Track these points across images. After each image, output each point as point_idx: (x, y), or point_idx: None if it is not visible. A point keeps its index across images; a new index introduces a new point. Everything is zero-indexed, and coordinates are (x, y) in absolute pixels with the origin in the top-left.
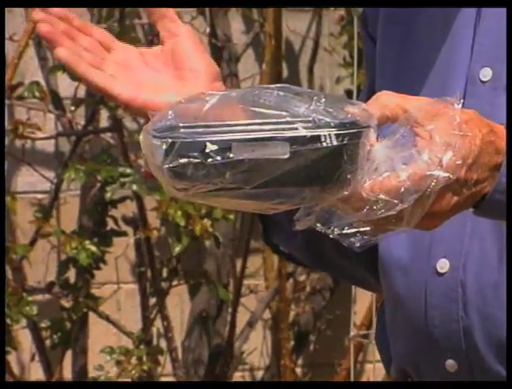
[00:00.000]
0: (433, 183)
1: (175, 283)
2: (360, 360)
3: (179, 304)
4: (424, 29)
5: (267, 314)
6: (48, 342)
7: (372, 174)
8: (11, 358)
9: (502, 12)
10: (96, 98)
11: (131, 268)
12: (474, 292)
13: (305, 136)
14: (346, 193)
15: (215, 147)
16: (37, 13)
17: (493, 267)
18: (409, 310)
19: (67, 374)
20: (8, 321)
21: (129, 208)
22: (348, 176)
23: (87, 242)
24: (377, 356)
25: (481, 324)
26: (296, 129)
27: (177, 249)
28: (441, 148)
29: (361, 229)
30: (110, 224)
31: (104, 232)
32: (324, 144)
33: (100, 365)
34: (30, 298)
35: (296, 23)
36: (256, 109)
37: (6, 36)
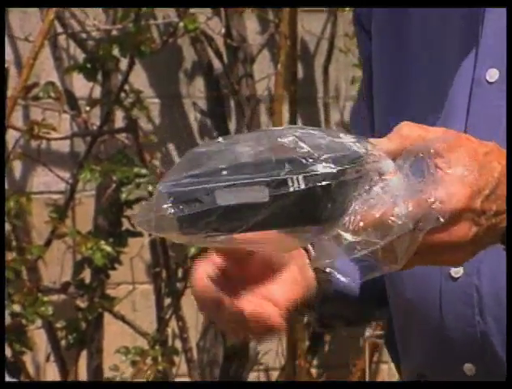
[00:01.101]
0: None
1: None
2: (375, 360)
3: (194, 304)
4: (418, 28)
5: None
6: (63, 342)
7: (366, 207)
8: (27, 358)
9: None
10: (112, 98)
11: (146, 268)
12: (490, 297)
13: (277, 180)
14: (332, 232)
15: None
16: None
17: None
18: (423, 316)
19: (82, 375)
20: (23, 321)
21: None
22: (333, 214)
23: (102, 243)
24: None
25: (498, 328)
26: (279, 172)
27: (193, 249)
28: (454, 181)
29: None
30: (125, 225)
31: (119, 232)
32: (291, 189)
33: (115, 366)
34: (45, 298)
35: (311, 23)
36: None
37: (22, 36)
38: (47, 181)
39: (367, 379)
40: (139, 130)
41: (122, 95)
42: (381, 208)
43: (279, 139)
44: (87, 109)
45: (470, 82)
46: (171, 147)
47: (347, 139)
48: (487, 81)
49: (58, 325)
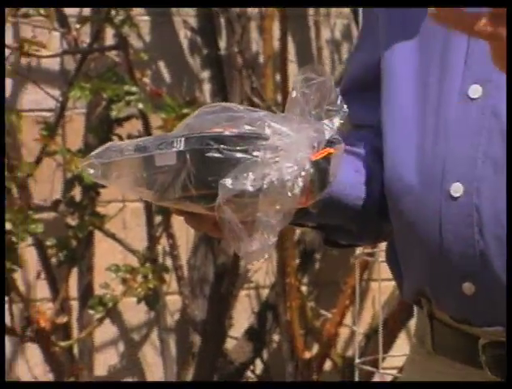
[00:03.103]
0: None
1: None
2: (365, 278)
3: (185, 222)
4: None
5: None
6: (53, 260)
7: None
8: (17, 276)
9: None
10: (102, 16)
11: None
12: (489, 217)
13: (166, 141)
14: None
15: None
16: None
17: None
18: (423, 236)
19: (73, 292)
20: (14, 239)
21: (134, 127)
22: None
23: None
24: (383, 275)
25: (497, 247)
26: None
27: None
28: None
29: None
30: None
31: None
32: (173, 149)
33: (105, 283)
34: (36, 216)
35: None
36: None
37: None
38: (37, 99)
39: (357, 297)
40: (130, 48)
41: (112, 12)
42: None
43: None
44: (77, 26)
45: (457, 95)
46: (161, 64)
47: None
48: (469, 97)
49: (49, 243)
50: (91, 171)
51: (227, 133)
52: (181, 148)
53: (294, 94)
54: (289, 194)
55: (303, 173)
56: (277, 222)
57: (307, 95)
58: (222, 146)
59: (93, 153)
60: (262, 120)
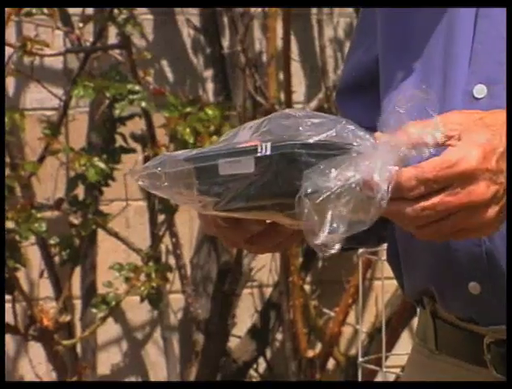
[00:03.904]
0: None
1: None
2: (368, 277)
3: (188, 221)
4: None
5: None
6: (57, 259)
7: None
8: (20, 275)
9: (500, 25)
10: (105, 15)
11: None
12: None
13: (250, 147)
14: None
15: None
16: None
17: None
18: None
19: (76, 291)
20: (17, 238)
21: (137, 125)
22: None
23: (95, 159)
24: (386, 273)
25: (504, 247)
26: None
27: None
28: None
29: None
30: (119, 141)
31: (112, 149)
32: (258, 154)
33: (109, 282)
34: (39, 215)
35: None
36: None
37: None
38: (40, 98)
39: (360, 296)
40: (133, 47)
41: (116, 11)
42: (355, 176)
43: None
44: (81, 25)
45: (461, 95)
46: (164, 63)
47: (344, 128)
48: (474, 97)
49: (52, 241)
50: (143, 182)
51: (315, 139)
52: (268, 153)
53: (394, 110)
54: (376, 201)
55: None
56: (351, 218)
57: (406, 113)
58: (313, 152)
59: (147, 164)
60: (342, 126)
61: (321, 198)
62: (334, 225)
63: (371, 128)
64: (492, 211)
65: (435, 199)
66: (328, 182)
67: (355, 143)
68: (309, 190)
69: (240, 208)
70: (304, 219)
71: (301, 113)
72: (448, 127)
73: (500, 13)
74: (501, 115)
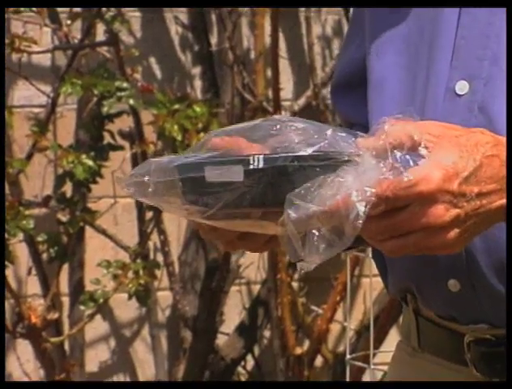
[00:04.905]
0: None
1: None
2: (356, 274)
3: (176, 218)
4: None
5: None
6: (44, 256)
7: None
8: (9, 272)
9: (483, 22)
10: (93, 12)
11: None
12: None
13: (243, 159)
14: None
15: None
16: None
17: None
18: None
19: (64, 288)
20: (5, 235)
21: (125, 122)
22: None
23: (83, 156)
24: (374, 271)
25: (484, 246)
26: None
27: None
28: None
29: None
30: (107, 139)
31: (100, 146)
32: (250, 167)
33: (96, 279)
34: (27, 212)
35: None
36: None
37: None
38: (28, 95)
39: (348, 293)
40: (121, 44)
41: (103, 8)
42: (338, 191)
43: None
44: (69, 22)
45: (443, 91)
46: (152, 60)
47: (334, 135)
48: (456, 93)
49: (40, 239)
50: (130, 190)
51: (308, 152)
52: (261, 166)
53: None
54: (351, 221)
55: (369, 200)
56: (333, 237)
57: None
58: (305, 164)
59: (134, 171)
60: (332, 134)
61: (302, 221)
62: (315, 246)
63: (361, 125)
64: (453, 233)
65: (395, 218)
66: (310, 207)
67: (345, 153)
68: (292, 214)
69: (228, 217)
70: (285, 241)
71: (285, 119)
72: (425, 136)
73: (483, 10)
74: (478, 135)
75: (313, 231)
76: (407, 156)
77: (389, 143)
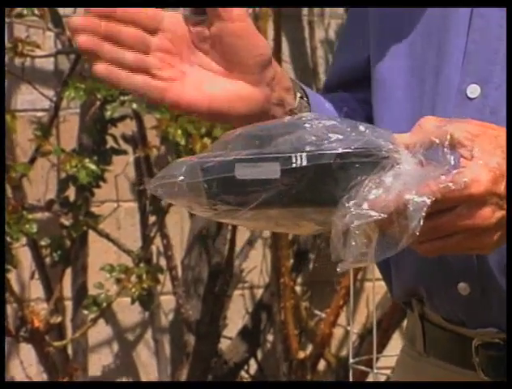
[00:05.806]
0: (409, 205)
1: None
2: (359, 278)
3: (179, 222)
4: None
5: (267, 233)
6: (48, 260)
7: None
8: (11, 276)
9: (495, 25)
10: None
11: (131, 186)
12: None
13: (283, 156)
14: (331, 215)
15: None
16: (75, 21)
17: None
18: None
19: (67, 292)
20: (8, 239)
21: (128, 127)
22: (334, 197)
23: (86, 160)
24: (377, 275)
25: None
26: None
27: None
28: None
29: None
30: (110, 143)
31: (103, 150)
32: (293, 165)
33: (99, 283)
34: (30, 216)
35: None
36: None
37: None
38: (31, 99)
39: (351, 297)
40: None
41: None
42: (390, 194)
43: (306, 125)
44: None
45: (454, 94)
46: None
47: (369, 131)
48: (467, 97)
49: (43, 243)
50: (157, 191)
51: (352, 148)
52: (304, 164)
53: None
54: (411, 230)
55: (425, 208)
56: (386, 242)
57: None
58: (347, 161)
59: (162, 172)
60: (371, 130)
61: (352, 226)
62: (362, 252)
63: None
64: (496, 235)
65: (440, 220)
66: (369, 214)
67: (384, 149)
68: (353, 221)
69: (260, 217)
70: (332, 244)
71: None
72: (463, 135)
73: (496, 13)
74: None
75: (360, 238)
76: (448, 155)
77: (428, 141)
